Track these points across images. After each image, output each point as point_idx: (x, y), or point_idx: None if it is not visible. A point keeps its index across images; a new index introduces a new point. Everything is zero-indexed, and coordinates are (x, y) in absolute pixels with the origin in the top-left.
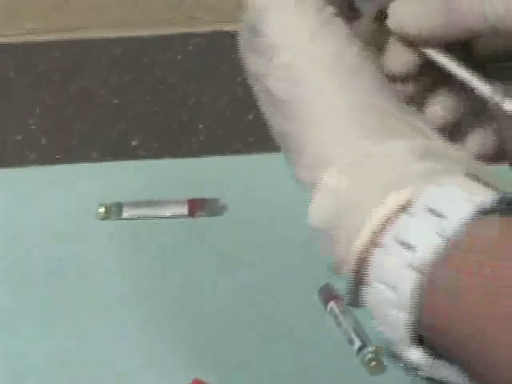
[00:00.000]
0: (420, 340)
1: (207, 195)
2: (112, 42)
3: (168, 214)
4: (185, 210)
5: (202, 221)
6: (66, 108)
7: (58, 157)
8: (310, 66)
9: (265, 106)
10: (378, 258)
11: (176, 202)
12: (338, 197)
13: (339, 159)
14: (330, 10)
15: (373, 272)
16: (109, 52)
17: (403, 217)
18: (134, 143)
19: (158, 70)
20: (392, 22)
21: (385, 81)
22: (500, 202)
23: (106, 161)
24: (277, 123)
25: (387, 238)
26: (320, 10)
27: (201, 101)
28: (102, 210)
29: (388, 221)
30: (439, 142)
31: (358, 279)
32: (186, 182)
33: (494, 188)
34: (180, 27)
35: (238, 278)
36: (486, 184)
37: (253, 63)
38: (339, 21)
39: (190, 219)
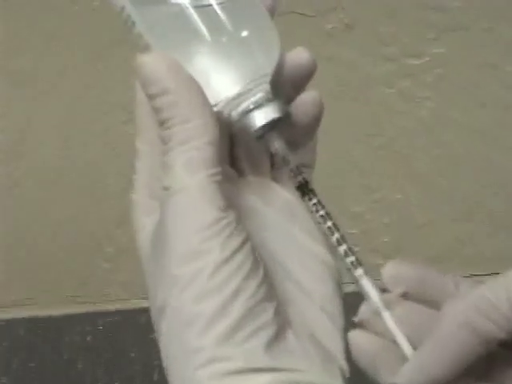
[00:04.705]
0: None
1: None
2: (15, 322)
3: None
4: None
5: None
6: None
7: None
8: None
9: None
10: None
11: None
12: None
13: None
14: (236, 242)
15: None
16: (11, 334)
17: None
18: None
19: (65, 354)
20: None
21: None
22: None
23: None
24: None
25: None
26: (225, 243)
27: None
28: None
29: None
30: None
31: None
32: None
33: None
34: (89, 305)
35: None
36: None
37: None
38: (244, 252)
39: None
